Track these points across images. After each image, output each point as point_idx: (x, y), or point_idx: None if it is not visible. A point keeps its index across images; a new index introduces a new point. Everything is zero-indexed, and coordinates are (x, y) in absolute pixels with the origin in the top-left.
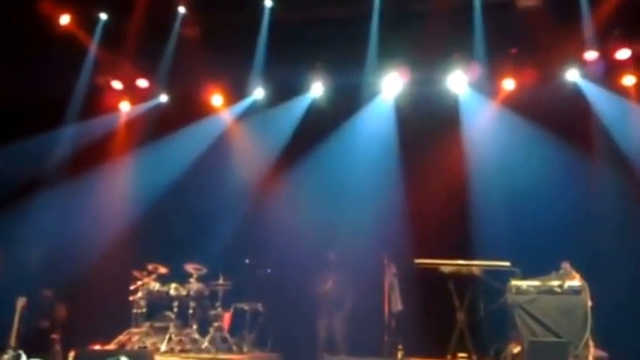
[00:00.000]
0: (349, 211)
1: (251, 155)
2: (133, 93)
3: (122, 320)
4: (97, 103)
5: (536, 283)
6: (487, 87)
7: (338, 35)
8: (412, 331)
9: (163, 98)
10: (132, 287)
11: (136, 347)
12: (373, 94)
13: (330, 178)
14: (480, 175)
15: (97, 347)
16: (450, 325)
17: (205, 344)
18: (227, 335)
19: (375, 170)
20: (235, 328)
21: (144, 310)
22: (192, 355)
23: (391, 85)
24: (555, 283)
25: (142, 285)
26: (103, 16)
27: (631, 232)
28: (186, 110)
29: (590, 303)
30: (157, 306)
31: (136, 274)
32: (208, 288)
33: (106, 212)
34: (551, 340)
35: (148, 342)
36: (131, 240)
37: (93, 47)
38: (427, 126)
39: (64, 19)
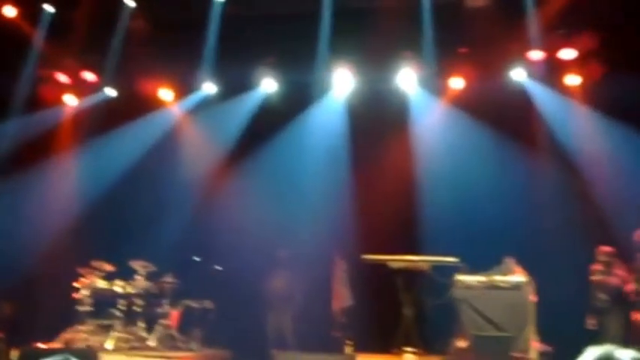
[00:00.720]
0: (300, 208)
1: (201, 151)
2: (79, 86)
3: (67, 318)
4: (41, 96)
5: (481, 278)
6: (436, 85)
7: (290, 32)
8: (361, 326)
9: (111, 92)
10: (77, 285)
11: (81, 345)
12: (325, 91)
13: (282, 175)
14: (428, 172)
15: (42, 345)
16: (397, 320)
17: (153, 342)
18: (175, 333)
19: (325, 167)
20: (184, 325)
21: (89, 308)
22: (139, 353)
23: (342, 82)
24: (500, 278)
25: (88, 282)
26: (49, 8)
27: (573, 227)
28: (135, 104)
29: (533, 298)
30: (103, 304)
31: (82, 271)
32: (156, 285)
33: (52, 208)
34: (496, 335)
35: (94, 340)
36: (77, 237)
37: (38, 40)
38: (378, 123)
39: (8, 11)
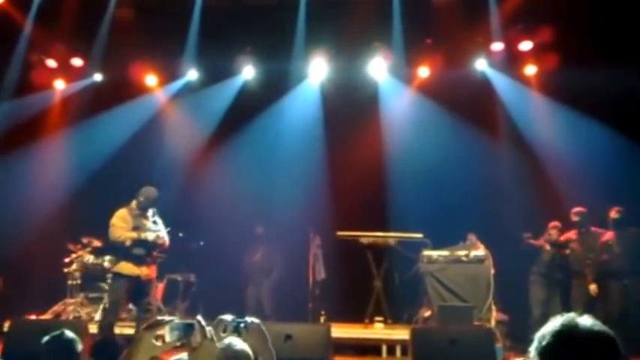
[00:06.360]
0: (277, 187)
1: (185, 133)
2: (67, 71)
3: (57, 292)
4: (31, 81)
5: (445, 253)
6: (404, 74)
7: (267, 22)
8: (334, 297)
9: (98, 77)
10: (67, 260)
11: (71, 317)
12: (301, 78)
13: (260, 156)
14: (396, 154)
15: (33, 317)
16: (368, 291)
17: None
18: (160, 304)
19: (301, 149)
20: (168, 297)
21: (78, 281)
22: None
23: (317, 70)
24: (462, 252)
25: (77, 257)
26: None
27: (530, 207)
28: (121, 89)
29: (492, 271)
30: (92, 278)
31: (71, 247)
32: None
33: (42, 188)
34: (459, 305)
35: (83, 312)
36: (67, 215)
37: (27, 25)
38: (350, 109)
39: None
